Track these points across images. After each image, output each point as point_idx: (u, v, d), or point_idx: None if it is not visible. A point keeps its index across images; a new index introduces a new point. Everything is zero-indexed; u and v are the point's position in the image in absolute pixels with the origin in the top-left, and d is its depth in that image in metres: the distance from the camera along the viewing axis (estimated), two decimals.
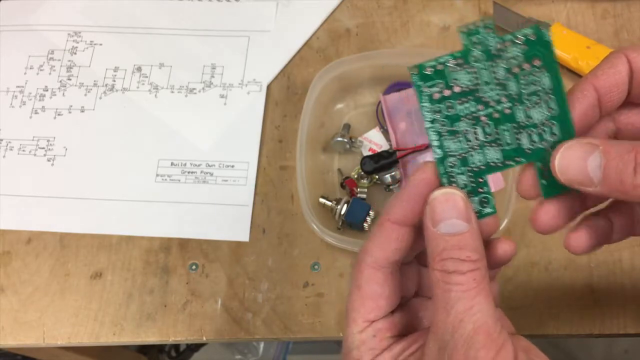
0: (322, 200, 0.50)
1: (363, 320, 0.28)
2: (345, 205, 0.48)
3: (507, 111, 0.26)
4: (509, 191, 0.47)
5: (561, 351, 0.97)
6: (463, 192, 0.26)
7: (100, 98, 0.57)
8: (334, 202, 0.49)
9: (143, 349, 0.95)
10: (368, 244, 0.28)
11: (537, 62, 0.26)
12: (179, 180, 0.53)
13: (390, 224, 0.27)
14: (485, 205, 0.27)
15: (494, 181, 0.47)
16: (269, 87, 0.57)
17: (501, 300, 0.32)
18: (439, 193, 0.26)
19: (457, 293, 0.24)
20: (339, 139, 0.52)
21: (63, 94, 0.58)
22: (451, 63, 0.26)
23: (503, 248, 0.28)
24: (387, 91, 0.54)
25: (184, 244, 0.51)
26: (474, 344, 0.23)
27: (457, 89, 0.26)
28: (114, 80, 0.58)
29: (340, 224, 0.49)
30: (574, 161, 0.25)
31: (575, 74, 0.53)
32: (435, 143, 0.26)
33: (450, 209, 0.25)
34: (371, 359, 0.28)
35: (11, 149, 0.56)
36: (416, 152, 0.49)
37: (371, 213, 0.48)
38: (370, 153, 0.51)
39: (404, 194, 0.27)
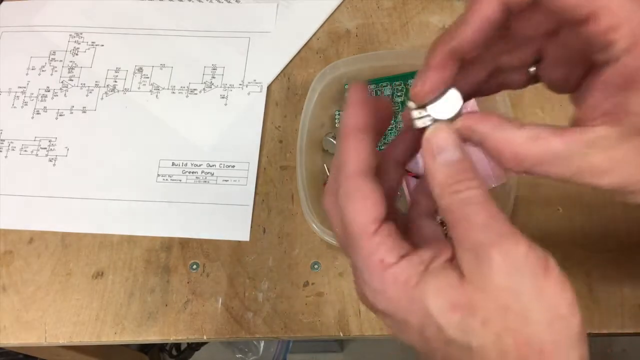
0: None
1: (370, 221, 0.27)
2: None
3: None
4: (509, 187, 0.47)
5: None
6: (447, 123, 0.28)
7: (102, 99, 0.58)
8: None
9: (144, 347, 0.96)
10: (341, 156, 0.28)
11: None
12: (180, 180, 0.54)
13: (355, 132, 0.28)
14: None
15: (495, 175, 0.48)
16: (269, 87, 0.57)
17: None
18: (433, 128, 0.28)
19: (472, 206, 0.25)
20: (330, 138, 0.52)
21: (65, 94, 0.58)
22: None
23: None
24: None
25: (185, 244, 0.51)
26: (512, 237, 0.25)
27: None
28: (116, 81, 0.58)
29: None
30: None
31: None
32: None
33: (445, 139, 0.27)
34: (396, 259, 0.26)
35: (13, 149, 0.56)
36: None
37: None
38: None
39: (357, 102, 0.28)
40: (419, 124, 0.28)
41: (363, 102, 0.28)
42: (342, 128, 0.28)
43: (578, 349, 0.24)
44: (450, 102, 0.28)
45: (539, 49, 0.31)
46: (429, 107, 0.28)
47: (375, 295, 0.27)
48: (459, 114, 0.28)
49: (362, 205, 0.27)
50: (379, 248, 0.26)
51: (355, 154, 0.28)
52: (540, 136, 0.26)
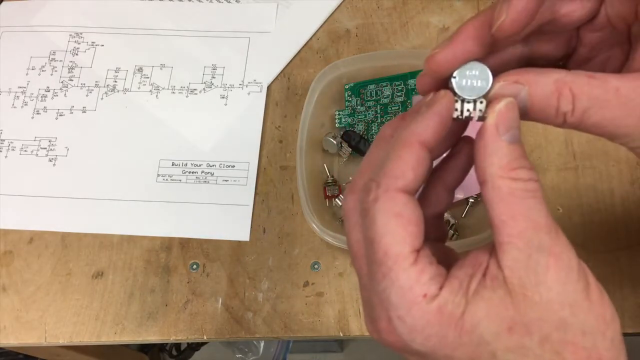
0: None
1: (411, 250, 0.24)
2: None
3: None
4: None
5: None
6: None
7: (102, 99, 0.58)
8: None
9: (144, 347, 0.96)
10: (393, 166, 0.24)
11: None
12: (180, 180, 0.54)
13: (420, 145, 0.25)
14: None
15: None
16: (269, 87, 0.57)
17: None
18: (505, 102, 0.24)
19: (534, 200, 0.23)
20: (329, 138, 0.52)
21: (65, 94, 0.58)
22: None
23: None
24: None
25: (185, 244, 0.51)
26: (567, 245, 0.23)
27: None
28: (116, 81, 0.58)
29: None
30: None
31: None
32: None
33: (515, 118, 0.24)
34: (438, 290, 0.23)
35: (13, 149, 0.56)
36: None
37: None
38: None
39: (433, 117, 0.25)
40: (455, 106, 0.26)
41: (445, 120, 0.25)
42: (407, 135, 0.25)
43: (623, 350, 0.24)
44: (479, 79, 0.26)
45: (573, 37, 0.28)
46: (454, 83, 0.26)
47: (414, 334, 0.24)
48: (487, 93, 0.25)
49: (404, 231, 0.24)
50: (420, 279, 0.23)
51: (409, 169, 0.24)
52: (596, 76, 0.23)
